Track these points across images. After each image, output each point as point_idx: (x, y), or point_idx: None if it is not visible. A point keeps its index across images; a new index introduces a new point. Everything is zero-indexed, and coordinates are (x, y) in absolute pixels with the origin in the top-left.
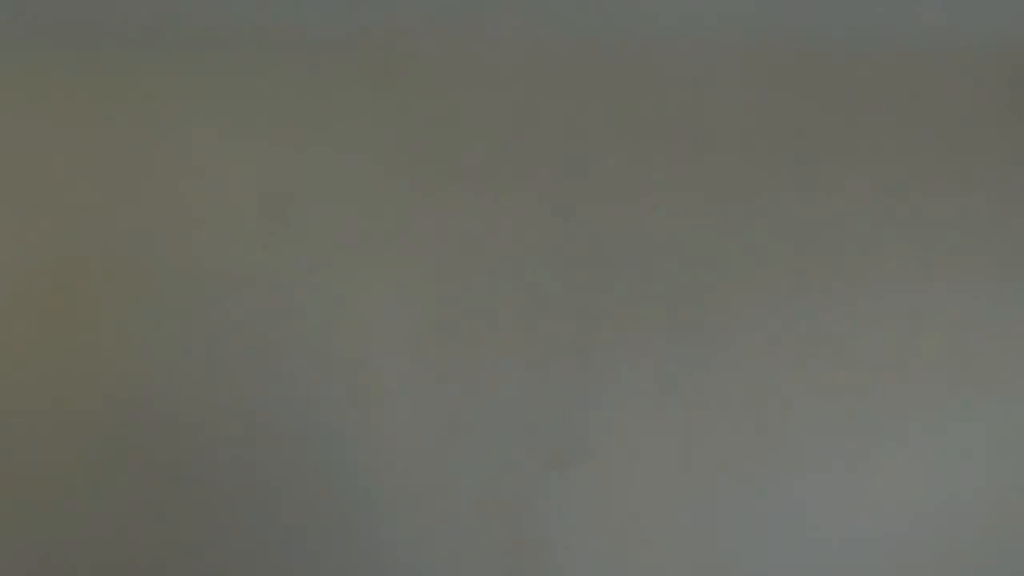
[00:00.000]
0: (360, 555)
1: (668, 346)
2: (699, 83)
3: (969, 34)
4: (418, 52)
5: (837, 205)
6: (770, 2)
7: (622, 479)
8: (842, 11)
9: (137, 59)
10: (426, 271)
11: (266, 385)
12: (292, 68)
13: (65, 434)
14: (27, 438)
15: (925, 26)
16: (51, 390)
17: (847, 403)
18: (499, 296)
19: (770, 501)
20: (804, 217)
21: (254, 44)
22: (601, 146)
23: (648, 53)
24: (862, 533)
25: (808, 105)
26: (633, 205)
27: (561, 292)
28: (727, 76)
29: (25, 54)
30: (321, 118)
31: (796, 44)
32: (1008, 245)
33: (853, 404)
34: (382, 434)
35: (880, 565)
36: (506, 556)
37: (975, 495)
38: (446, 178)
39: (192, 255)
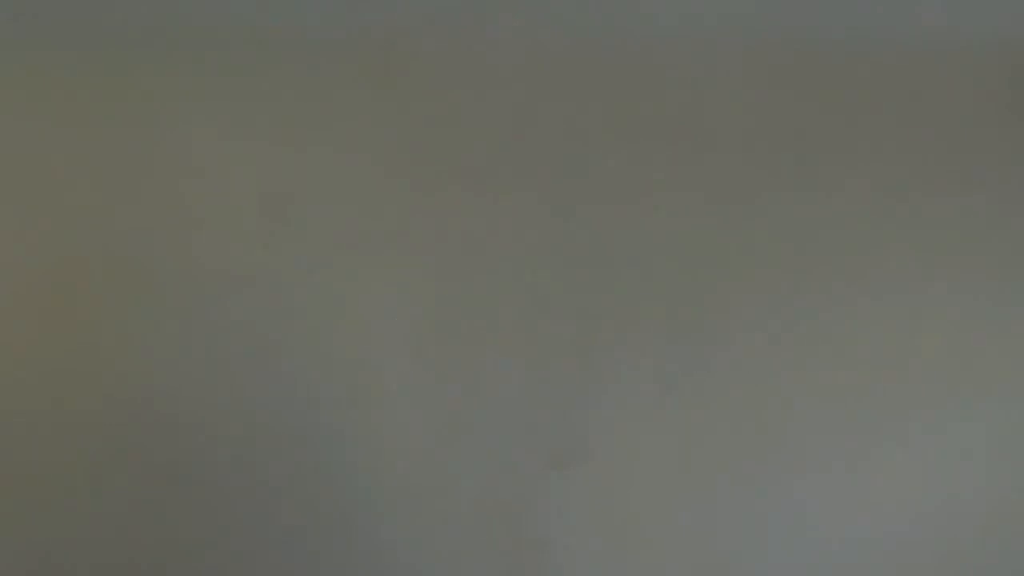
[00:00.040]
0: (360, 555)
1: (668, 346)
2: (699, 83)
3: (969, 34)
4: (418, 52)
5: (837, 205)
6: (770, 2)
7: (622, 479)
8: (842, 11)
9: (137, 59)
10: (426, 271)
11: (266, 385)
12: (292, 68)
13: (65, 434)
14: (27, 438)
15: (925, 26)
16: (51, 390)
17: (847, 403)
18: (499, 296)
19: (770, 501)
20: (804, 217)
21: (254, 44)
22: (601, 146)
23: (648, 53)
24: (862, 533)
25: (808, 105)
26: (633, 205)
27: (561, 292)
28: (727, 76)
29: (25, 54)
30: (321, 118)
31: (796, 44)
32: (1008, 245)
33: (853, 404)
34: (382, 434)
35: (880, 565)
36: (506, 556)
37: (975, 495)
38: (446, 178)
39: (192, 255)
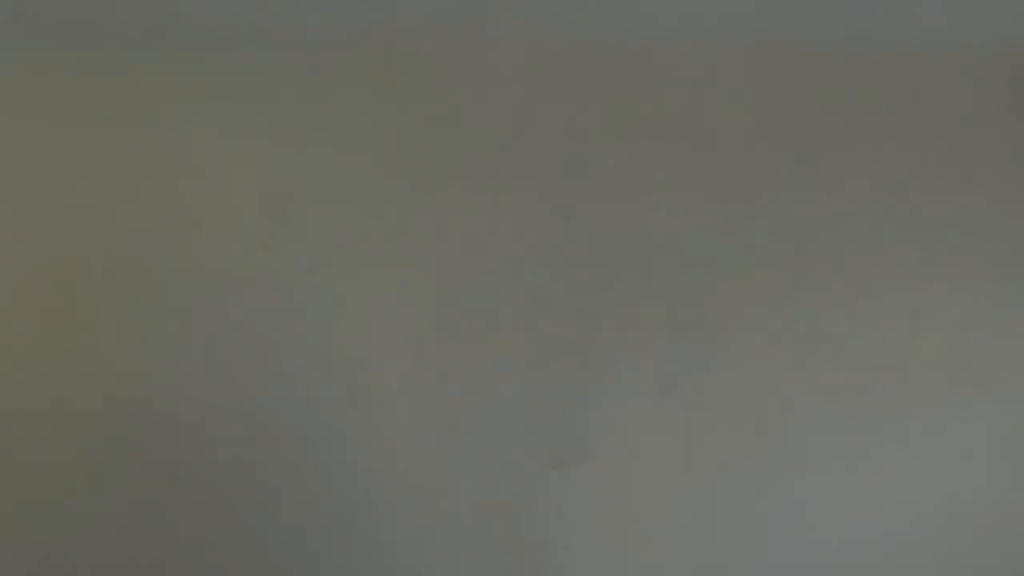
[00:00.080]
0: (360, 555)
1: (668, 346)
2: (699, 83)
3: (969, 34)
4: (418, 52)
5: (837, 205)
6: (770, 2)
7: (622, 479)
8: (842, 11)
9: (137, 59)
10: (426, 271)
11: (266, 385)
12: (292, 68)
13: (65, 434)
14: (27, 438)
15: (925, 26)
16: (51, 390)
17: (847, 403)
18: (499, 296)
19: (770, 501)
20: (804, 217)
21: (254, 44)
22: (601, 146)
23: (648, 53)
24: (862, 533)
25: (808, 105)
26: (633, 205)
27: (561, 292)
28: (727, 76)
29: (25, 54)
30: (321, 118)
31: (796, 44)
32: (1008, 245)
33: (853, 404)
34: (382, 434)
35: (880, 565)
36: (506, 556)
37: (975, 495)
38: (446, 178)
39: (192, 255)
